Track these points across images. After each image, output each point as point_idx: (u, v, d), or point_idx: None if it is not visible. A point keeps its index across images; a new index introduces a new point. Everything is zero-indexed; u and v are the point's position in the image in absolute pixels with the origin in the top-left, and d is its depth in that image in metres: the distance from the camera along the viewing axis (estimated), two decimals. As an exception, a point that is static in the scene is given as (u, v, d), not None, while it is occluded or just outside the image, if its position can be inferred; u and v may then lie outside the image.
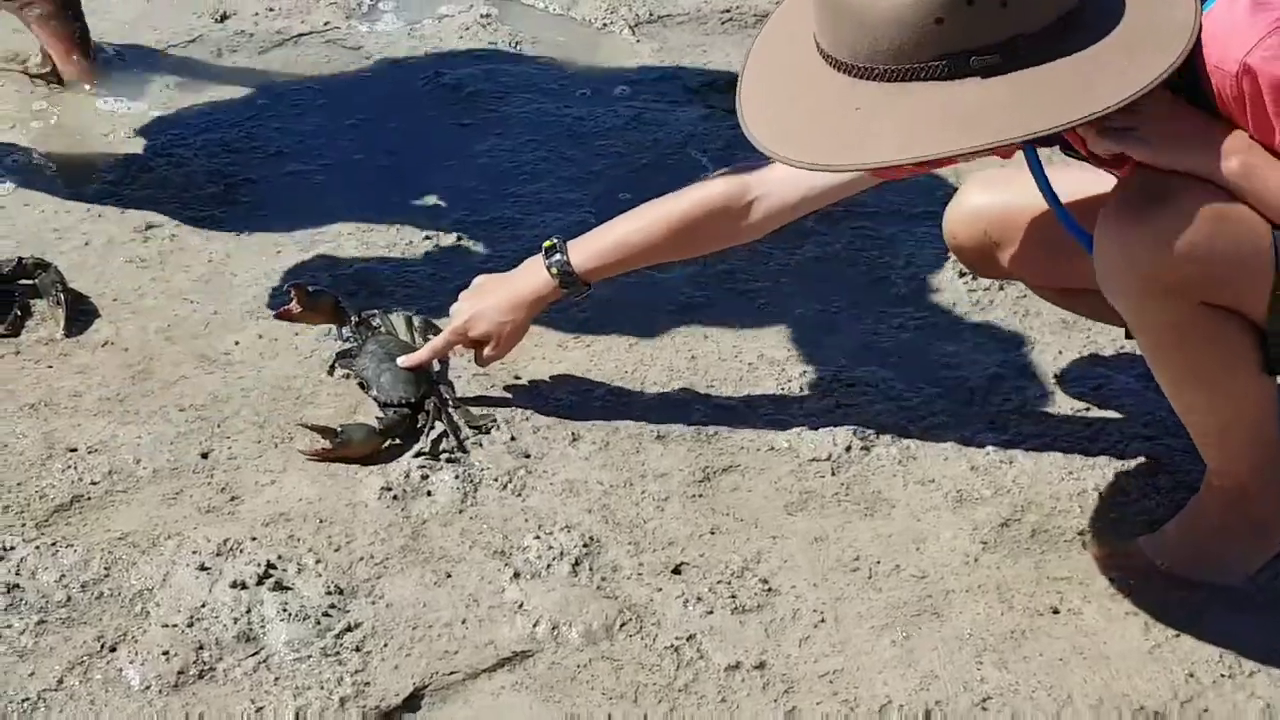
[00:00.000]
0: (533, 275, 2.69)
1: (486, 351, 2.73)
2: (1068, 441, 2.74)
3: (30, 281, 2.98)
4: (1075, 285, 2.52)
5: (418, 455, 2.64)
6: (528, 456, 2.66)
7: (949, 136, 2.04)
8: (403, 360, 2.75)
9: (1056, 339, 2.98)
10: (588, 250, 2.66)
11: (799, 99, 2.15)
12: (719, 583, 2.43)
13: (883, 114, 2.05)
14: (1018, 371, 2.91)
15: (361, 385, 2.77)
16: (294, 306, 2.85)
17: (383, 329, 2.86)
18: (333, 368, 2.83)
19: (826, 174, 2.50)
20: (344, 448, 2.61)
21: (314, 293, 2.88)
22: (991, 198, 2.58)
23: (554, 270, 2.66)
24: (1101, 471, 2.66)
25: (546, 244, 2.68)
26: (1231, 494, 2.42)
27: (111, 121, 3.58)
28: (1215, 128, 2.13)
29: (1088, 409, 2.82)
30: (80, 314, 2.95)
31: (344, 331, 2.87)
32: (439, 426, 2.68)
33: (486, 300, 2.72)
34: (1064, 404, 2.84)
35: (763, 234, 2.66)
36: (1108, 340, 2.93)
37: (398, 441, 2.67)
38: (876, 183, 2.57)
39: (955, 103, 2.04)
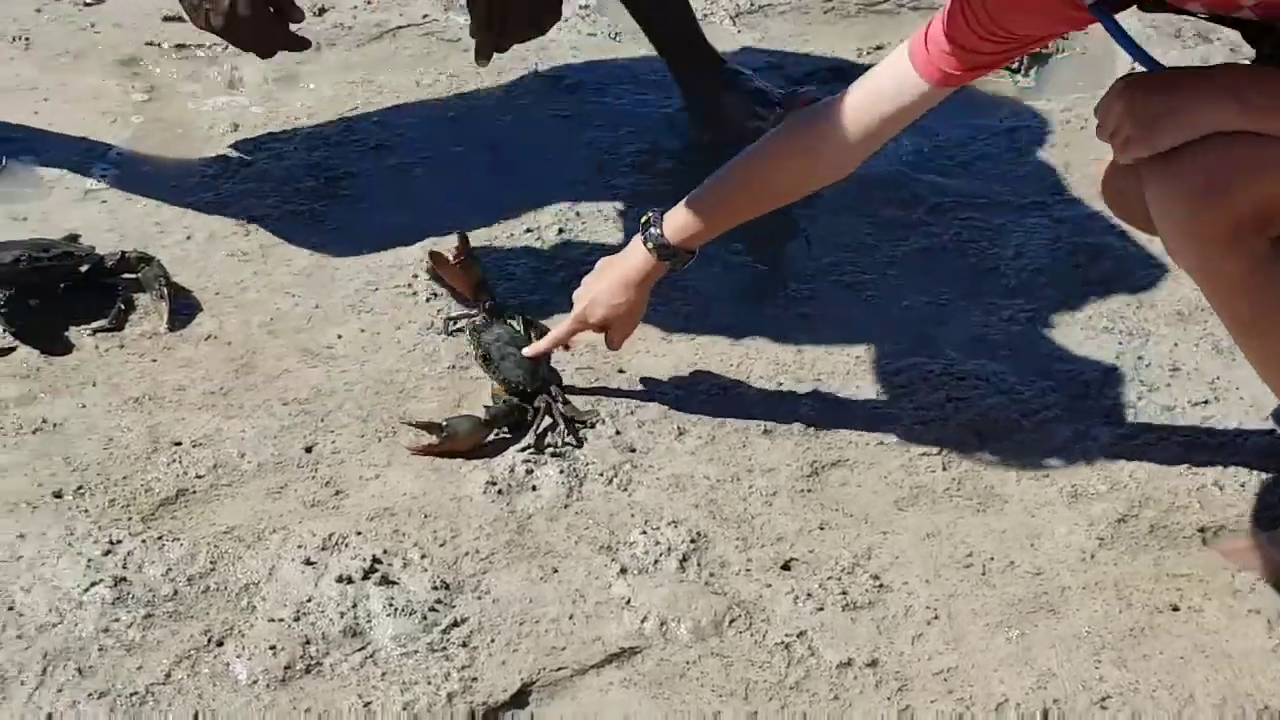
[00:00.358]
0: (635, 253, 2.66)
1: (610, 336, 2.71)
2: (1186, 435, 2.68)
3: (133, 275, 2.98)
4: None
5: (524, 450, 2.61)
6: (633, 451, 2.63)
7: None
8: (528, 350, 2.73)
9: (1172, 330, 2.92)
10: (679, 221, 2.61)
11: None
12: (829, 579, 2.39)
13: None
14: (1133, 364, 2.85)
15: (484, 359, 2.74)
16: (454, 252, 2.86)
17: (508, 321, 2.85)
18: (450, 328, 2.84)
19: (895, 96, 2.43)
20: (450, 441, 2.59)
21: (472, 254, 2.88)
22: None
23: (650, 245, 2.62)
24: (1221, 466, 2.60)
25: (644, 219, 2.65)
26: None
27: (212, 116, 3.59)
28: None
29: (1206, 402, 2.76)
30: (183, 308, 2.95)
31: (474, 308, 2.88)
32: (547, 420, 2.65)
33: (600, 284, 2.69)
34: (1181, 396, 2.77)
35: (846, 171, 2.57)
36: (1225, 331, 2.85)
37: (505, 434, 2.65)
38: (947, 94, 2.46)
39: None
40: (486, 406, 2.66)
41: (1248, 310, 2.24)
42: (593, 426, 2.66)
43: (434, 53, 3.86)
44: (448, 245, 2.91)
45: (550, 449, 2.61)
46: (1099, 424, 2.70)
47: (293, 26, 3.03)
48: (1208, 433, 2.68)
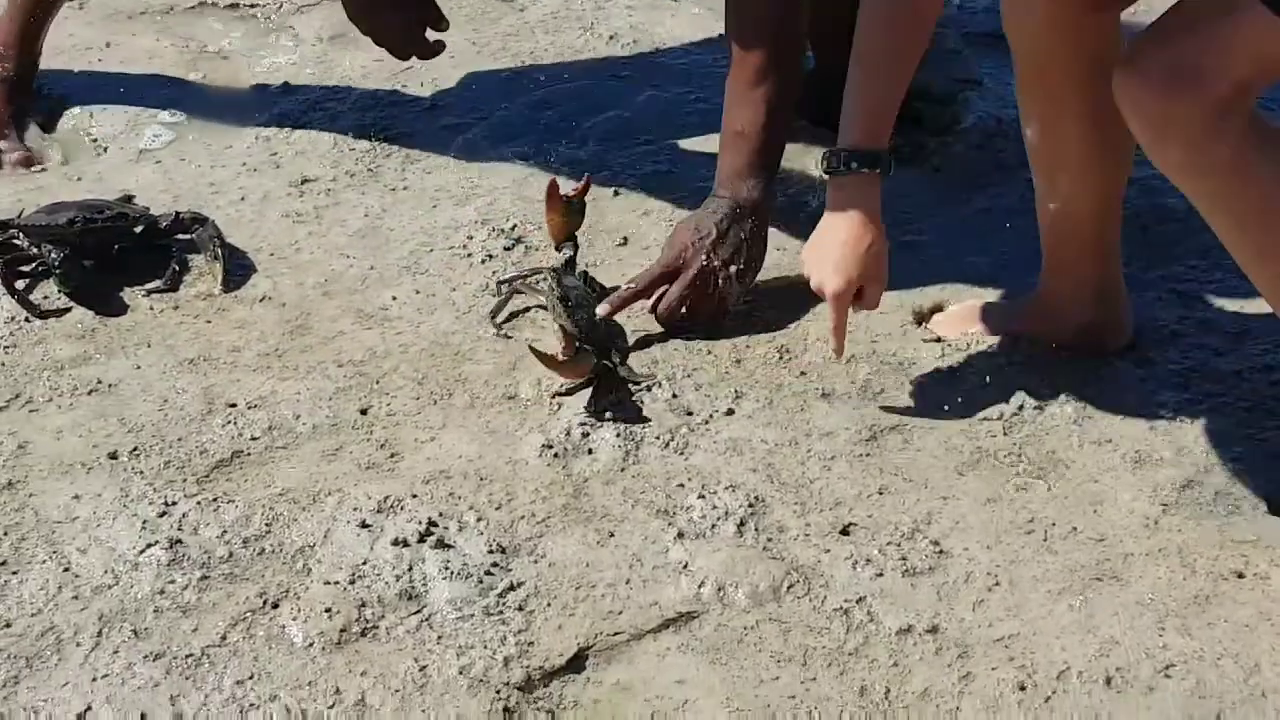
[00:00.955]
0: (844, 192, 2.46)
1: (867, 293, 2.53)
2: (1251, 400, 2.64)
3: (188, 236, 2.98)
4: None
5: (587, 408, 2.59)
6: (690, 414, 2.60)
7: None
8: (603, 306, 2.74)
9: (1239, 293, 2.86)
10: (857, 124, 2.44)
11: None
12: (889, 544, 2.36)
13: None
14: (1198, 327, 2.81)
15: (563, 300, 2.67)
16: (576, 190, 2.83)
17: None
18: (500, 309, 2.80)
19: None
20: (573, 365, 2.59)
21: (583, 204, 2.85)
22: None
23: (855, 165, 2.43)
24: (1289, 432, 2.57)
25: (824, 158, 2.47)
26: None
27: (266, 76, 3.57)
28: None
29: (1272, 367, 2.71)
30: (238, 269, 2.94)
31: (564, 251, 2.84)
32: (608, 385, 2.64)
33: (829, 246, 2.49)
34: (1247, 361, 2.73)
35: None
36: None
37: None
38: None
39: None
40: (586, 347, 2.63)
41: (1251, 201, 2.21)
42: (649, 390, 2.64)
43: (489, 12, 3.84)
44: (570, 184, 2.86)
45: (608, 413, 2.59)
46: (1163, 389, 2.66)
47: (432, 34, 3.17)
48: (1274, 398, 2.64)
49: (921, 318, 2.83)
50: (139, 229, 2.95)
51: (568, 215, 2.84)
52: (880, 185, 2.47)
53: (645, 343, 2.77)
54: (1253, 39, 2.11)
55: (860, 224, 2.47)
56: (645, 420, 2.58)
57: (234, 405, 2.61)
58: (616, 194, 3.17)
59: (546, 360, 2.57)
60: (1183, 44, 2.15)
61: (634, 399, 2.62)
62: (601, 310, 2.73)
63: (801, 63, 2.90)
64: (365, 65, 3.60)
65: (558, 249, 2.85)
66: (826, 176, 2.49)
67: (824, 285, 2.50)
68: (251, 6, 3.83)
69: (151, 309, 2.84)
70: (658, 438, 2.55)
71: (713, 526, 2.38)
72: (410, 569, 2.29)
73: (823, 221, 2.52)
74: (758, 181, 2.81)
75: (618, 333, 2.75)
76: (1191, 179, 2.24)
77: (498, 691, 2.12)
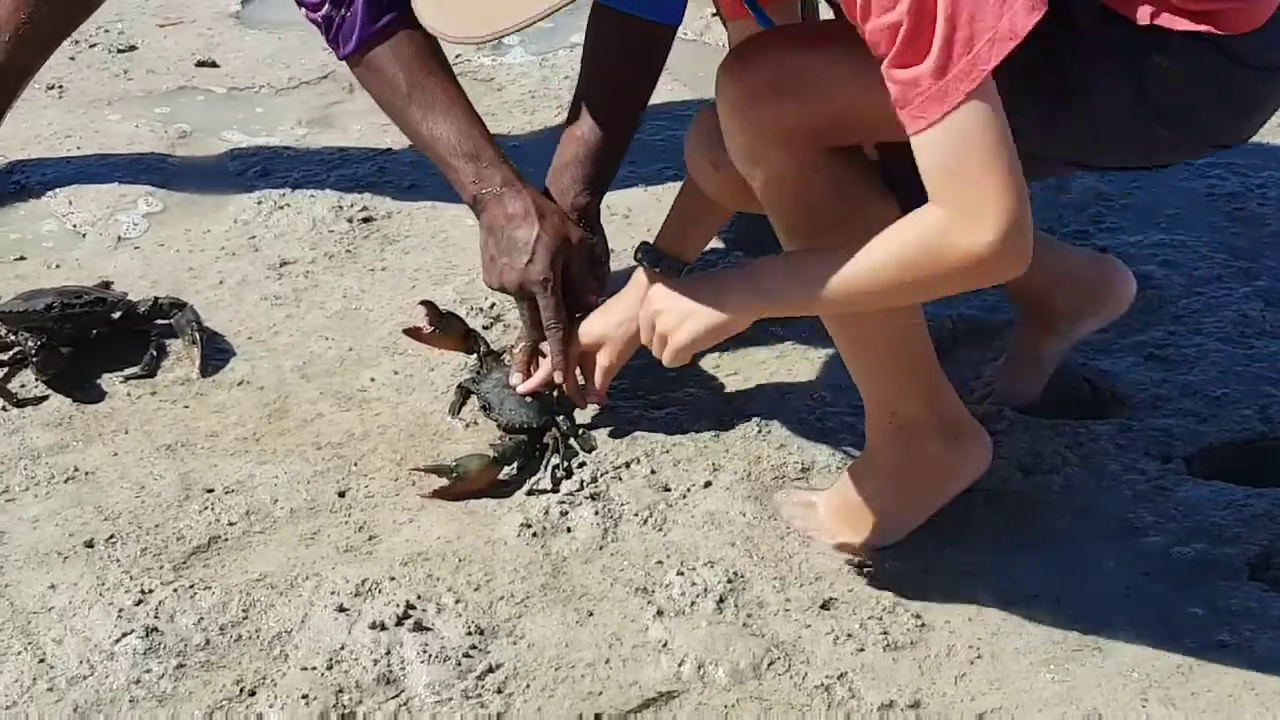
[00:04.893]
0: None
1: (599, 356, 2.71)
2: (1234, 466, 2.63)
3: (166, 321, 2.97)
4: None
5: (556, 487, 2.59)
6: (668, 490, 2.59)
7: None
8: (521, 387, 2.71)
9: (1221, 357, 2.87)
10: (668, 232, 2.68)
11: None
12: (870, 618, 2.35)
13: None
14: (1179, 391, 2.80)
15: (484, 409, 2.73)
16: (424, 325, 2.83)
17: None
18: (457, 407, 2.79)
19: None
20: (462, 482, 2.57)
21: (446, 315, 2.87)
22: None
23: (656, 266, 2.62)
24: (1271, 498, 2.55)
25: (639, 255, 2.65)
26: None
27: (243, 160, 3.58)
28: None
29: (1255, 432, 2.71)
30: (216, 353, 2.93)
31: (469, 362, 2.85)
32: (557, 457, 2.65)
33: (605, 314, 2.71)
34: (1230, 425, 2.73)
35: None
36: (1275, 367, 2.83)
37: (516, 470, 2.63)
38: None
39: None
40: (493, 444, 2.64)
41: (806, 221, 2.29)
42: (590, 451, 2.65)
43: (468, 93, 3.83)
44: (419, 317, 2.87)
45: (563, 479, 2.60)
46: (1145, 456, 2.66)
47: None
48: (1257, 463, 2.63)
49: None
50: (117, 314, 2.94)
51: (444, 336, 2.86)
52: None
53: (628, 420, 2.75)
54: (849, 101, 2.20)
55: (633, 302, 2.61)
56: (624, 497, 2.56)
57: (211, 490, 2.59)
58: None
59: (439, 472, 2.57)
60: (780, 63, 2.24)
61: (569, 468, 2.62)
62: (521, 390, 2.72)
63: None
64: (344, 147, 3.61)
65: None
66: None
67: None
68: (230, 90, 3.84)
69: (129, 395, 2.83)
70: (636, 514, 2.54)
71: (692, 603, 2.37)
72: (388, 653, 2.28)
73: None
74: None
75: (547, 401, 2.73)
76: (763, 189, 2.31)
77: (476, 776, 2.11)
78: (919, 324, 2.38)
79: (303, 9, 2.74)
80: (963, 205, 2.01)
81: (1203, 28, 2.12)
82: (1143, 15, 2.12)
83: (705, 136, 2.48)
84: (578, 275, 2.65)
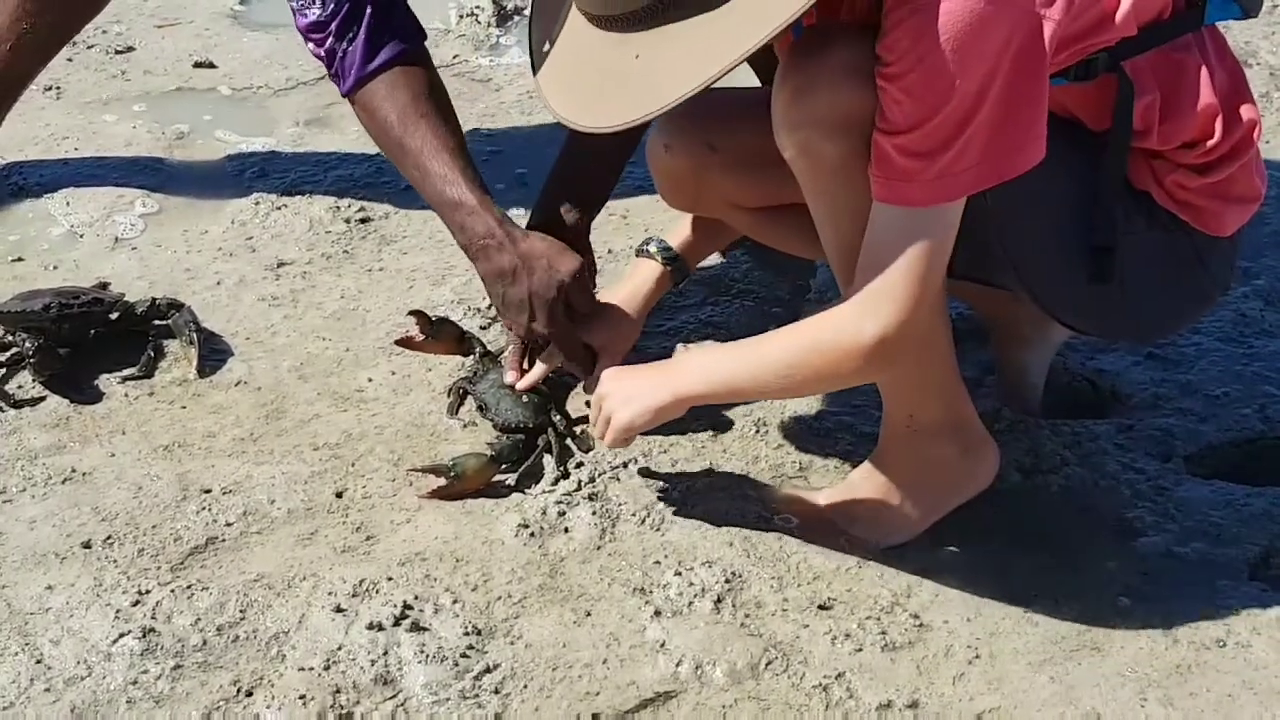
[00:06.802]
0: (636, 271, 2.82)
1: (601, 357, 2.74)
2: (1234, 465, 2.64)
3: (164, 322, 2.97)
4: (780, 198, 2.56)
5: (554, 486, 2.59)
6: (666, 490, 2.59)
7: (739, 39, 2.05)
8: (520, 384, 2.71)
9: (1220, 356, 2.87)
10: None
11: (582, 67, 2.19)
12: (868, 618, 2.35)
13: (664, 49, 2.09)
14: (1179, 390, 2.80)
15: (481, 409, 2.73)
16: (415, 334, 2.83)
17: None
18: (454, 408, 2.79)
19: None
20: (460, 482, 2.56)
21: (438, 321, 2.86)
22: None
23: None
24: (1270, 498, 2.55)
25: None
26: None
27: (241, 160, 3.58)
28: None
29: (1255, 431, 2.71)
30: (213, 354, 2.93)
31: (467, 362, 2.84)
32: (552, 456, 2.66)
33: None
34: (1228, 425, 2.73)
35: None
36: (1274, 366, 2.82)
37: (512, 469, 2.63)
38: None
39: (721, 16, 2.07)
40: (490, 443, 2.64)
41: (841, 198, 2.29)
42: (586, 450, 2.65)
43: (464, 93, 3.84)
44: (410, 325, 2.86)
45: (560, 478, 2.61)
46: (1143, 456, 2.65)
47: None
48: (1255, 463, 2.63)
49: None
50: (114, 315, 2.94)
51: (437, 342, 2.86)
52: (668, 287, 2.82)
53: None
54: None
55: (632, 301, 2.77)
56: (621, 497, 2.56)
57: (208, 491, 2.59)
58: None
59: (436, 472, 2.57)
60: (819, 63, 2.22)
61: (565, 469, 2.63)
62: (520, 387, 2.72)
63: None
64: (341, 148, 3.61)
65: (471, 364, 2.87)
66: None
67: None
68: (228, 91, 3.84)
69: (126, 396, 2.83)
70: (634, 514, 2.53)
71: (690, 604, 2.37)
72: (385, 653, 2.27)
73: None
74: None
75: (544, 400, 2.74)
76: (805, 172, 2.30)
77: (474, 776, 2.11)
78: (948, 333, 2.37)
79: (309, 43, 2.74)
80: (873, 290, 2.14)
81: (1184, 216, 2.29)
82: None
83: (663, 120, 2.56)
84: (578, 301, 2.66)
